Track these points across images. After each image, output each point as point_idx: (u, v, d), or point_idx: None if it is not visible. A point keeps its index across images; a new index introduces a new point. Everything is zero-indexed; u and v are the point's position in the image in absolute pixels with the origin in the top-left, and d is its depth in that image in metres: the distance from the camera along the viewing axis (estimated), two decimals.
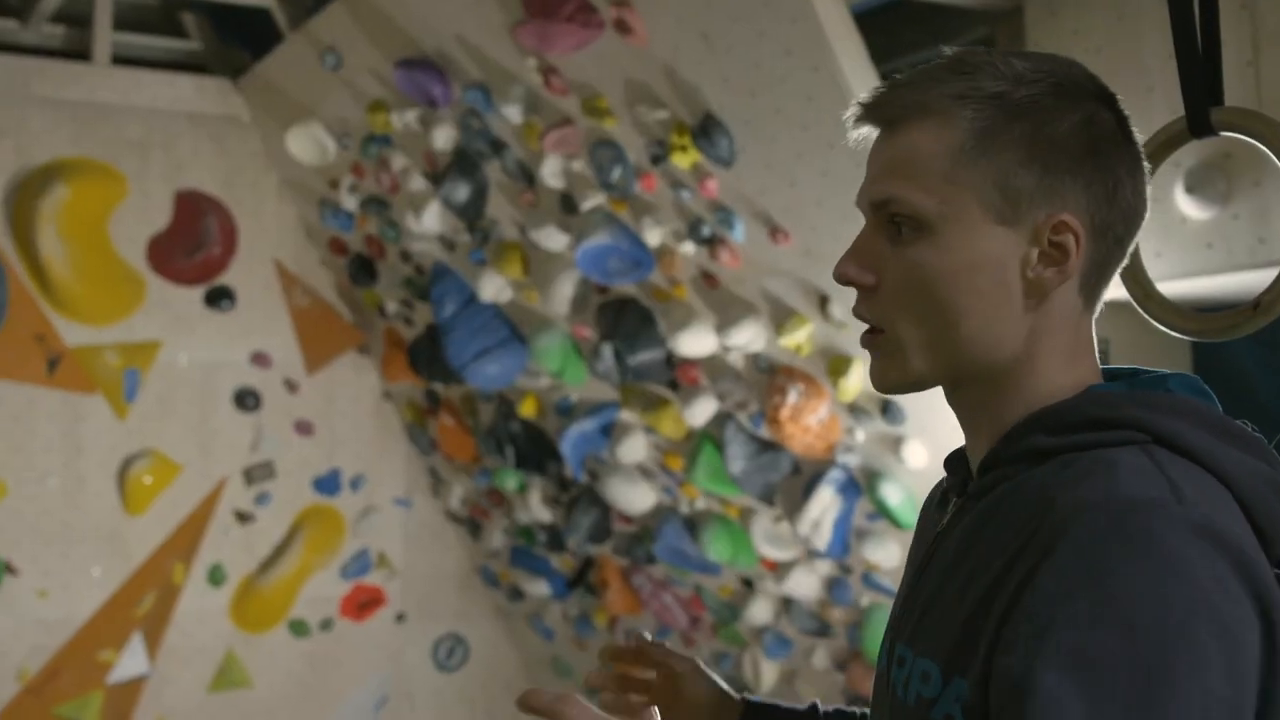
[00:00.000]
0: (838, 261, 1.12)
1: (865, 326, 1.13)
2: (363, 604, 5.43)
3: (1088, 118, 1.07)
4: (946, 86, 1.08)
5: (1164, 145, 1.30)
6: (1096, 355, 1.12)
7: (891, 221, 1.09)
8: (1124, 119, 1.10)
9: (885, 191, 1.09)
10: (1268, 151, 1.23)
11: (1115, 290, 1.14)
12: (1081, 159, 1.06)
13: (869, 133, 1.13)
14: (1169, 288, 2.70)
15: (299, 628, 5.29)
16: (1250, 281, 2.58)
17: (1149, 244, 2.65)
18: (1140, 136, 1.11)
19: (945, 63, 1.09)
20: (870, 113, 1.11)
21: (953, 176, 1.07)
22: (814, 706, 1.47)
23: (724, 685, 1.49)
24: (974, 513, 1.08)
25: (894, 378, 1.12)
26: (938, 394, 1.15)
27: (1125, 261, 1.13)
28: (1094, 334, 1.12)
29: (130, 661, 4.94)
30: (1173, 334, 1.27)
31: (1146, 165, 1.12)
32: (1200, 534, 0.93)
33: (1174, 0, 1.27)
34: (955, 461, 1.21)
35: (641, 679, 1.51)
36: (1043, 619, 0.92)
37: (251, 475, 5.16)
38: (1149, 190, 1.12)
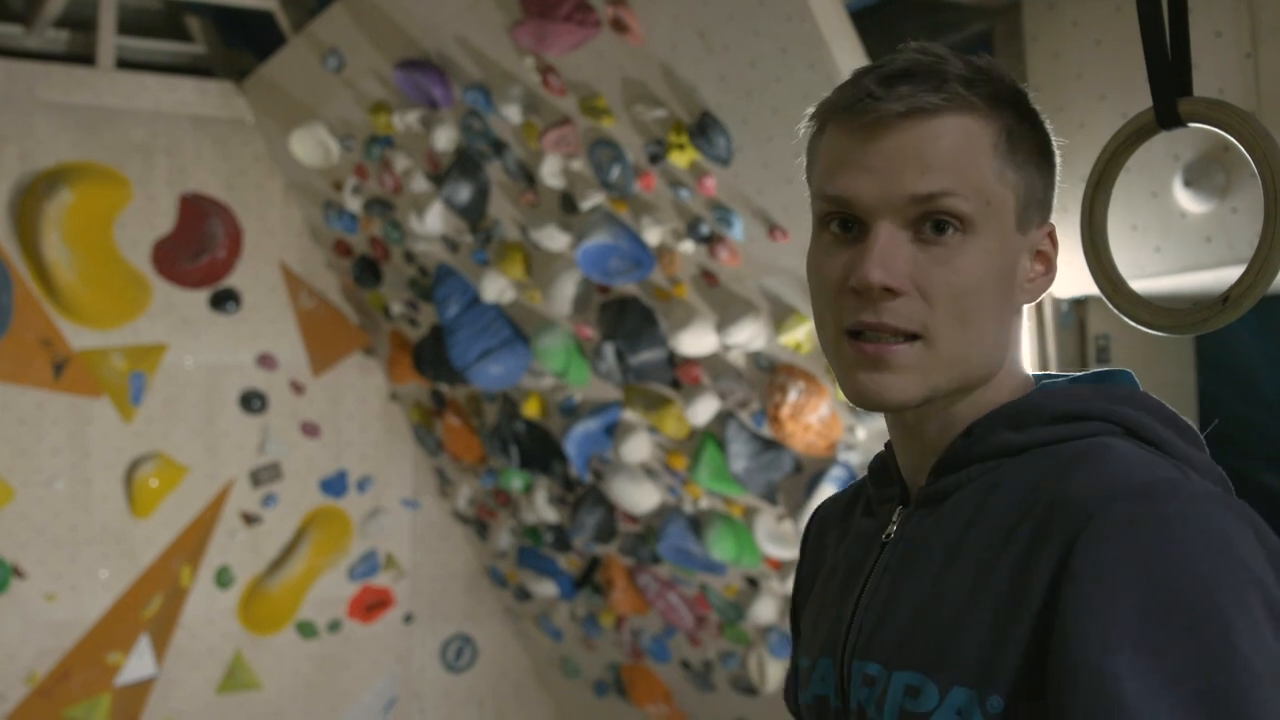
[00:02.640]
0: (863, 267, 1.00)
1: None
2: (371, 605, 5.43)
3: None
4: (983, 85, 1.03)
5: (1132, 137, 1.28)
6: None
7: (930, 218, 1.00)
8: None
9: (940, 184, 1.00)
10: (1235, 142, 1.21)
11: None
12: (1053, 169, 1.10)
13: (885, 115, 1.01)
14: (1169, 282, 2.70)
15: (307, 629, 5.29)
16: None
17: (1148, 239, 2.62)
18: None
19: (949, 56, 1.03)
20: (898, 95, 1.00)
21: (998, 178, 1.03)
22: None
23: None
24: (945, 514, 1.04)
25: (912, 393, 1.02)
26: None
27: None
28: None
29: (138, 663, 4.95)
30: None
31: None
32: (1223, 506, 0.93)
33: None
34: (882, 471, 1.17)
35: None
36: (1099, 615, 0.88)
37: (258, 477, 5.17)
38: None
